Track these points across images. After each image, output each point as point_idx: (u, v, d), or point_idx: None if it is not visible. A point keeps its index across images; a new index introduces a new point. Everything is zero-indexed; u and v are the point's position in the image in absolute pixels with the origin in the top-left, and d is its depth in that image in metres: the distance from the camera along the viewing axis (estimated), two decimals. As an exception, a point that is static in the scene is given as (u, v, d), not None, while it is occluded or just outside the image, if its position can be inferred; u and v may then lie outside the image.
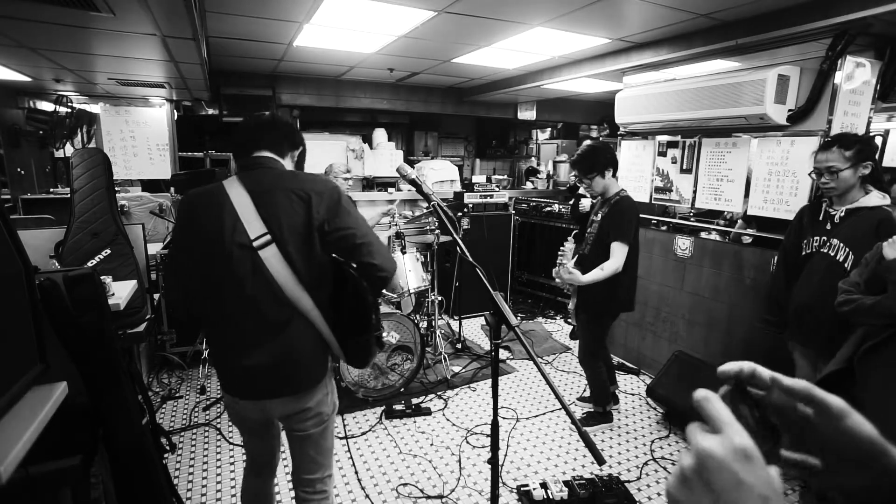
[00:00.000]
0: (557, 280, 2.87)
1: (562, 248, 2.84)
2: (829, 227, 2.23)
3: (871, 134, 2.30)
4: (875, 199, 2.14)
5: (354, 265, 1.50)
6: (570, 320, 3.14)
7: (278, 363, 1.50)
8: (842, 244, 2.15)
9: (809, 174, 2.41)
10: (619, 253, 2.65)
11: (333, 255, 1.52)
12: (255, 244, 1.43)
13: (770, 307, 2.59)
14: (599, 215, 2.80)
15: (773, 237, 3.06)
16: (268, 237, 1.43)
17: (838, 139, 2.18)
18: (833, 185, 2.17)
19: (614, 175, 2.77)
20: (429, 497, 2.44)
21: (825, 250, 2.22)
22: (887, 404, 1.55)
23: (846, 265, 2.10)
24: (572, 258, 2.85)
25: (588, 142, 2.90)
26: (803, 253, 2.34)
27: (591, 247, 2.83)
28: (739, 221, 3.32)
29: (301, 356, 1.53)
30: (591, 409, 3.12)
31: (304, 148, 1.68)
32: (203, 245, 1.49)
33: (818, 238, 2.27)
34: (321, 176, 1.61)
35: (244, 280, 1.45)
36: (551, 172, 7.32)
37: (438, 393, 3.47)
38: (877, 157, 2.24)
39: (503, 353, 4.13)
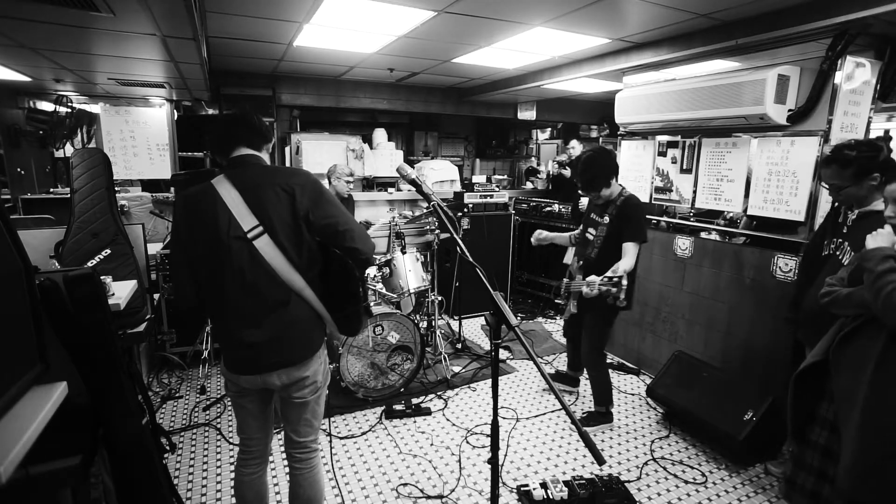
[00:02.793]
0: (569, 285, 2.94)
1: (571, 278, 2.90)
2: (844, 230, 2.22)
3: (878, 137, 2.22)
4: None
5: (338, 249, 1.71)
6: (564, 319, 3.15)
7: (279, 338, 1.66)
8: (849, 248, 2.14)
9: (821, 184, 2.40)
10: (632, 252, 2.63)
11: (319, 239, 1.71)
12: (249, 235, 1.58)
13: (790, 305, 2.58)
14: (606, 218, 2.75)
15: (769, 237, 3.07)
16: (260, 229, 1.59)
17: (835, 157, 2.09)
18: (843, 199, 2.16)
19: (616, 180, 2.77)
20: (429, 497, 2.44)
21: (838, 254, 2.21)
22: (854, 391, 1.57)
23: None
24: (578, 266, 2.90)
25: (586, 153, 2.81)
26: (823, 253, 2.33)
27: (598, 250, 2.78)
28: (744, 219, 3.30)
29: (298, 330, 1.69)
30: (592, 409, 3.12)
31: (275, 140, 1.82)
32: (203, 240, 1.62)
33: (836, 241, 2.26)
34: (301, 169, 1.76)
35: (244, 268, 1.60)
36: (551, 172, 7.32)
37: (438, 393, 3.47)
38: (890, 156, 2.11)
39: (503, 353, 4.13)
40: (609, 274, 2.42)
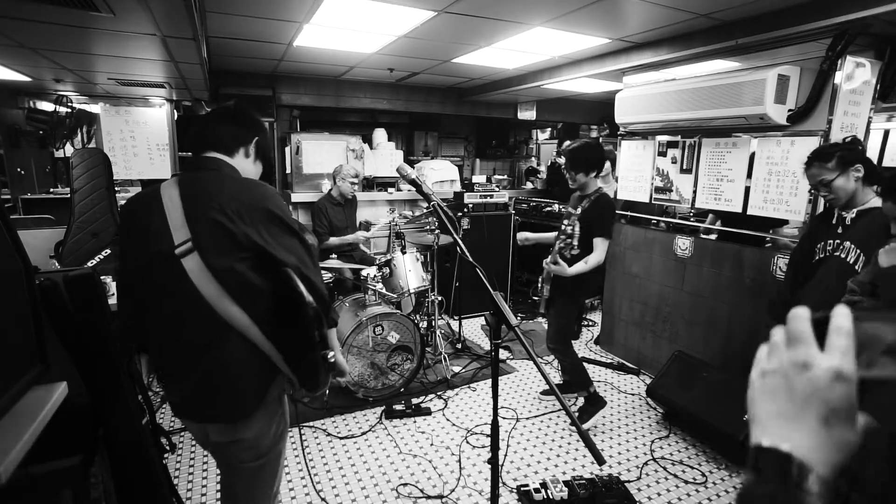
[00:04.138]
0: (546, 268, 2.98)
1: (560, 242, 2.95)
2: (840, 230, 2.23)
3: (849, 136, 2.35)
4: None
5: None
6: (541, 310, 3.22)
7: (209, 386, 1.36)
8: (853, 246, 2.15)
9: (809, 191, 2.44)
10: (601, 247, 2.81)
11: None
12: (177, 251, 1.28)
13: (773, 312, 2.58)
14: (580, 210, 2.93)
15: (766, 235, 3.08)
16: (189, 244, 1.28)
17: (816, 154, 2.23)
18: (833, 196, 2.20)
19: (597, 177, 2.93)
20: (429, 497, 2.44)
21: (838, 254, 2.21)
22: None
23: (857, 267, 2.09)
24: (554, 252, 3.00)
25: (585, 139, 3.06)
26: (815, 258, 2.34)
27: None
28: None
29: (234, 379, 1.35)
30: (583, 403, 3.11)
31: (259, 139, 1.51)
32: (133, 250, 1.39)
33: (831, 242, 2.26)
34: (260, 183, 1.42)
35: (169, 291, 1.31)
36: (551, 161, 7.30)
37: (438, 393, 3.47)
38: (867, 155, 2.26)
39: (503, 353, 4.13)
40: (563, 266, 2.76)
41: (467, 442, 2.91)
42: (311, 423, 3.03)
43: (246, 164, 1.49)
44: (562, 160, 5.83)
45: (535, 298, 3.31)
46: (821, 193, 2.26)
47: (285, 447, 1.56)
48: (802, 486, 0.43)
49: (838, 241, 2.23)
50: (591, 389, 3.08)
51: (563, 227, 3.02)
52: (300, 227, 1.42)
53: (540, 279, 3.18)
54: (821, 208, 2.81)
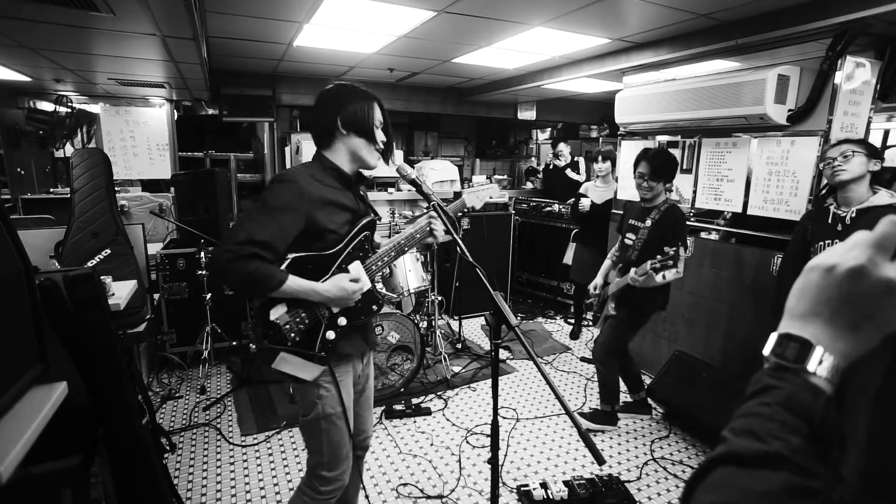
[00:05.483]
0: (619, 284, 2.77)
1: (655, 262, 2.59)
2: (839, 228, 2.23)
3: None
4: (885, 197, 2.16)
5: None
6: (599, 326, 3.06)
7: None
8: None
9: (819, 167, 2.46)
10: (682, 259, 2.62)
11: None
12: None
13: (778, 315, 2.55)
14: (648, 222, 2.73)
15: (769, 237, 3.07)
16: None
17: (854, 139, 2.29)
18: (844, 168, 2.18)
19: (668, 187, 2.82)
20: (429, 497, 2.44)
21: None
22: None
23: None
24: (618, 269, 2.85)
25: (660, 146, 2.95)
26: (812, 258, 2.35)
27: (639, 252, 2.74)
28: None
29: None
30: (599, 411, 3.07)
31: (341, 115, 1.55)
32: None
33: (829, 241, 2.25)
34: (282, 176, 1.55)
35: None
36: (548, 164, 7.29)
37: (438, 393, 3.47)
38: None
39: (503, 353, 4.13)
40: (660, 256, 2.46)
41: (467, 442, 2.91)
42: (311, 423, 3.03)
43: (350, 142, 1.60)
44: (559, 161, 5.87)
45: (597, 316, 3.09)
46: (834, 164, 2.21)
47: (333, 424, 1.62)
48: (813, 370, 0.48)
49: (837, 240, 2.23)
50: (615, 407, 3.03)
51: (626, 241, 2.85)
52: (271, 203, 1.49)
53: (602, 293, 2.99)
54: (804, 200, 2.82)
